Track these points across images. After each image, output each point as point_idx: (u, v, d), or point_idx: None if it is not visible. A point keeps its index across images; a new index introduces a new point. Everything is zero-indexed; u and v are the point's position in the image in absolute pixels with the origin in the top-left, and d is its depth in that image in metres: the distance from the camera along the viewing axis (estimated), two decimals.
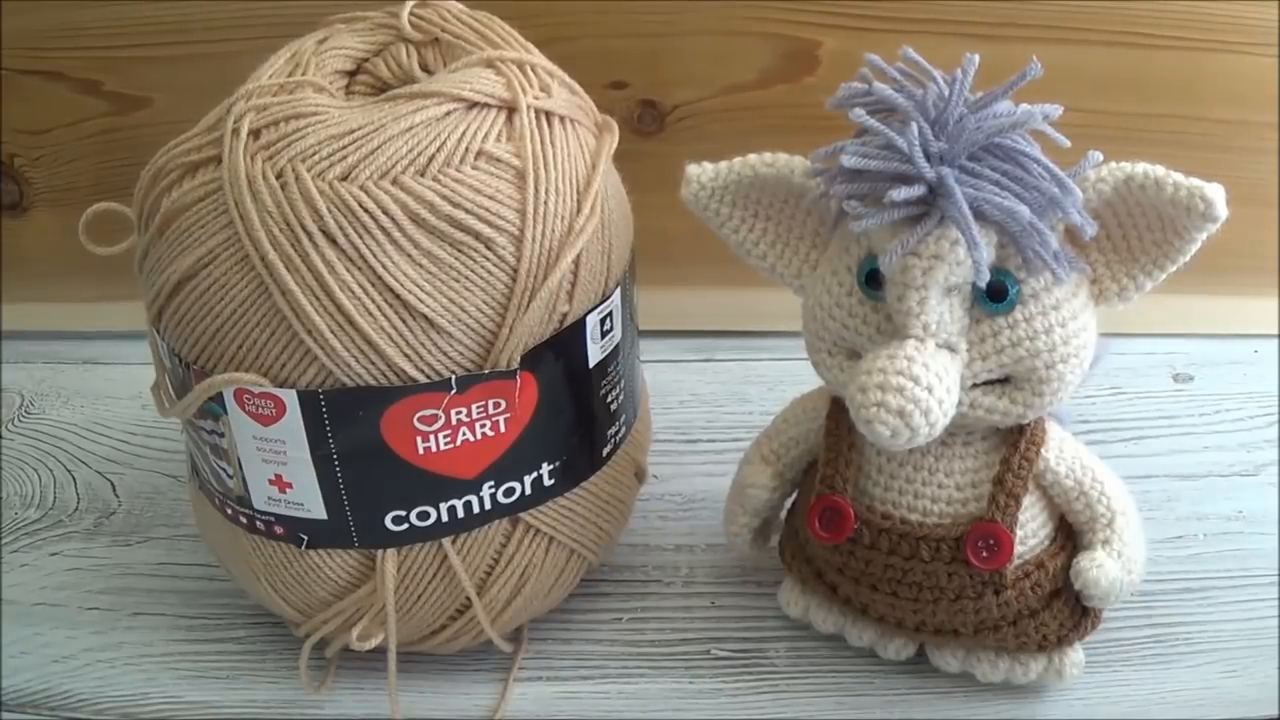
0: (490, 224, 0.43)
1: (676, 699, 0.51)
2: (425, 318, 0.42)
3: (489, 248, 0.43)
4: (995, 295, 0.42)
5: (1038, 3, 0.63)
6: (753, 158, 0.46)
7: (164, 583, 0.58)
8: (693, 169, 0.47)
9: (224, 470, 0.47)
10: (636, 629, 0.54)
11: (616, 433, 0.50)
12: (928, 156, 0.41)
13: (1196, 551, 0.56)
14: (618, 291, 0.48)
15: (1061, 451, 0.47)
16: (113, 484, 0.64)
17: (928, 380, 0.41)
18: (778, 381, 0.67)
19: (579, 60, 0.51)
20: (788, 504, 0.53)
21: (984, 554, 0.45)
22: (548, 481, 0.48)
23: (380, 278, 0.42)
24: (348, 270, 0.42)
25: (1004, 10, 0.64)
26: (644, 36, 0.66)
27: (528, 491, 0.47)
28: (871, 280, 0.43)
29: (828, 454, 0.48)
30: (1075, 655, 0.49)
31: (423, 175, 0.43)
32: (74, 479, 0.64)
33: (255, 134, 0.43)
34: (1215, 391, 0.66)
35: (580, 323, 0.46)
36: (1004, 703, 0.50)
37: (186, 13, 0.67)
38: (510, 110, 0.45)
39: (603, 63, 0.66)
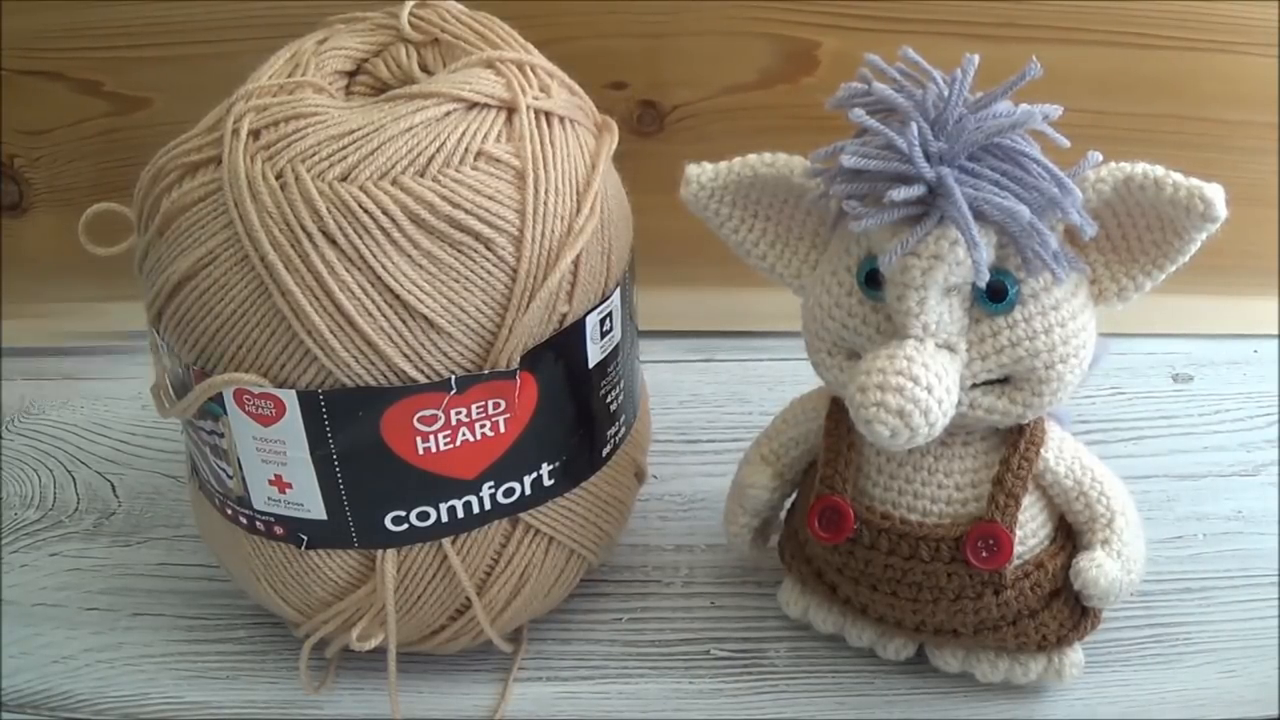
0: (490, 224, 0.43)
1: (676, 699, 0.51)
2: (425, 318, 0.42)
3: (489, 248, 0.43)
4: (995, 295, 0.42)
5: (1038, 3, 0.63)
6: (752, 158, 0.46)
7: (164, 583, 0.58)
8: (692, 169, 0.47)
9: (224, 470, 0.47)
10: (636, 629, 0.54)
11: (616, 433, 0.50)
12: (927, 156, 0.41)
13: (1196, 551, 0.56)
14: (617, 292, 0.48)
15: (1061, 451, 0.47)
16: (113, 484, 0.64)
17: (927, 380, 0.41)
18: (778, 381, 0.67)
19: (579, 60, 0.51)
20: (787, 504, 0.53)
21: (984, 554, 0.45)
22: (547, 482, 0.48)
23: (380, 278, 0.42)
24: (347, 271, 0.42)
25: (1004, 10, 0.64)
26: (644, 36, 0.66)
27: (527, 492, 0.47)
28: (871, 280, 0.43)
29: (827, 454, 0.48)
30: (1075, 655, 0.49)
31: (422, 176, 0.42)
32: (74, 479, 0.64)
33: (255, 134, 0.43)
34: (1215, 391, 0.66)
35: (580, 323, 0.46)
36: (1004, 703, 0.50)
37: (186, 13, 0.67)
38: (510, 111, 0.45)
39: (603, 63, 0.66)
